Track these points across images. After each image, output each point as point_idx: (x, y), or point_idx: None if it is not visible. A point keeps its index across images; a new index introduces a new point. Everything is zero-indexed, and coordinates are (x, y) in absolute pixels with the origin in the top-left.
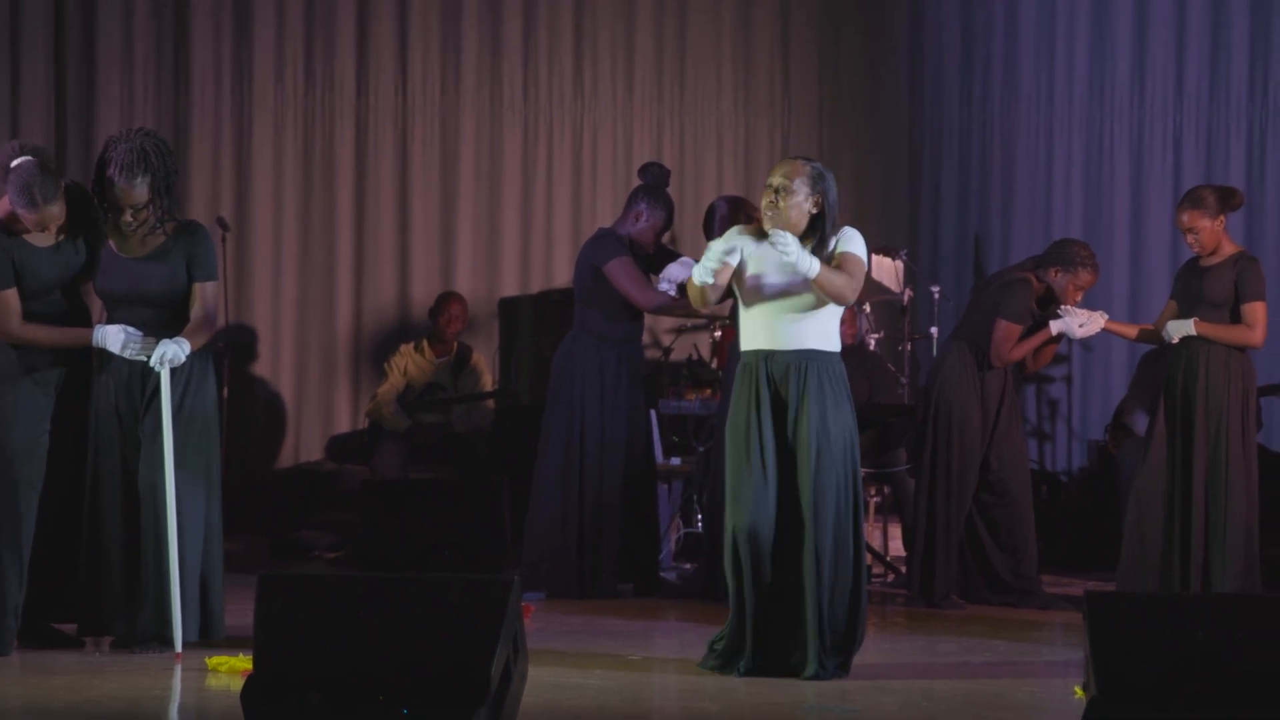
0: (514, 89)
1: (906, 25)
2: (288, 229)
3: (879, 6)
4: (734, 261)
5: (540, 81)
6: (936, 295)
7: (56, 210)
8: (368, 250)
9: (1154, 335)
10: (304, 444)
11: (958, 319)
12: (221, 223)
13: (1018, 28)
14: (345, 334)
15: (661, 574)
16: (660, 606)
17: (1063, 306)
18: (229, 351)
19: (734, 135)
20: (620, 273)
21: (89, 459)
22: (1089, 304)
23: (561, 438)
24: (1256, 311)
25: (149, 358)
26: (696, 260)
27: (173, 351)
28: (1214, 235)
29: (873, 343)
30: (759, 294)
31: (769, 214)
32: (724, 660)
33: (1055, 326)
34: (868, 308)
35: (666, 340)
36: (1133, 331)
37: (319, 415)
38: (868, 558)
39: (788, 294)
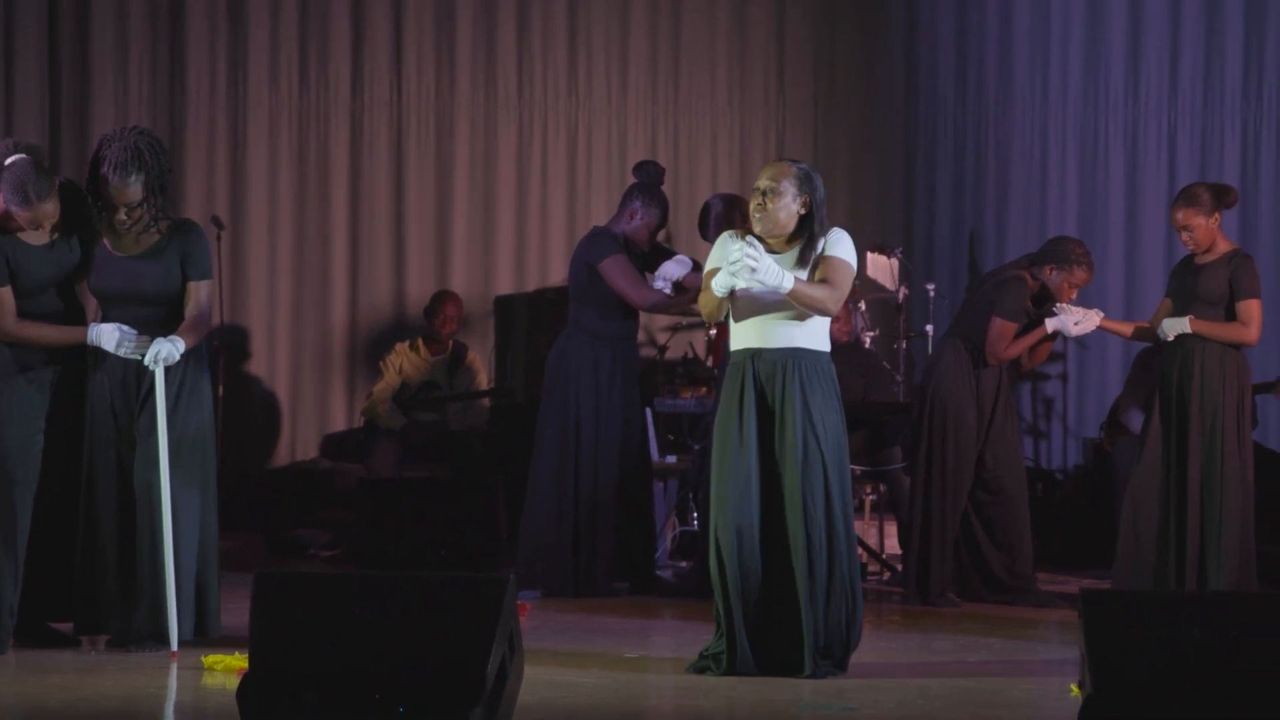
0: (508, 88)
1: (902, 23)
2: (283, 227)
3: (874, 5)
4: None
5: (535, 80)
6: (932, 293)
7: (51, 208)
8: (363, 248)
9: (1149, 333)
10: (299, 442)
11: (953, 317)
12: (216, 221)
13: (1012, 26)
14: (340, 332)
15: (657, 572)
16: (656, 605)
17: (1058, 304)
18: (224, 350)
19: (729, 133)
20: (615, 271)
21: (84, 457)
22: (1084, 302)
23: (557, 436)
24: (1251, 309)
25: (144, 356)
26: (692, 258)
27: (167, 350)
28: (1209, 233)
29: (868, 340)
30: (749, 294)
31: (758, 216)
32: (714, 664)
33: (1050, 324)
34: (863, 305)
35: (662, 338)
36: (1128, 329)
37: (314, 413)
38: (863, 556)
39: (776, 296)
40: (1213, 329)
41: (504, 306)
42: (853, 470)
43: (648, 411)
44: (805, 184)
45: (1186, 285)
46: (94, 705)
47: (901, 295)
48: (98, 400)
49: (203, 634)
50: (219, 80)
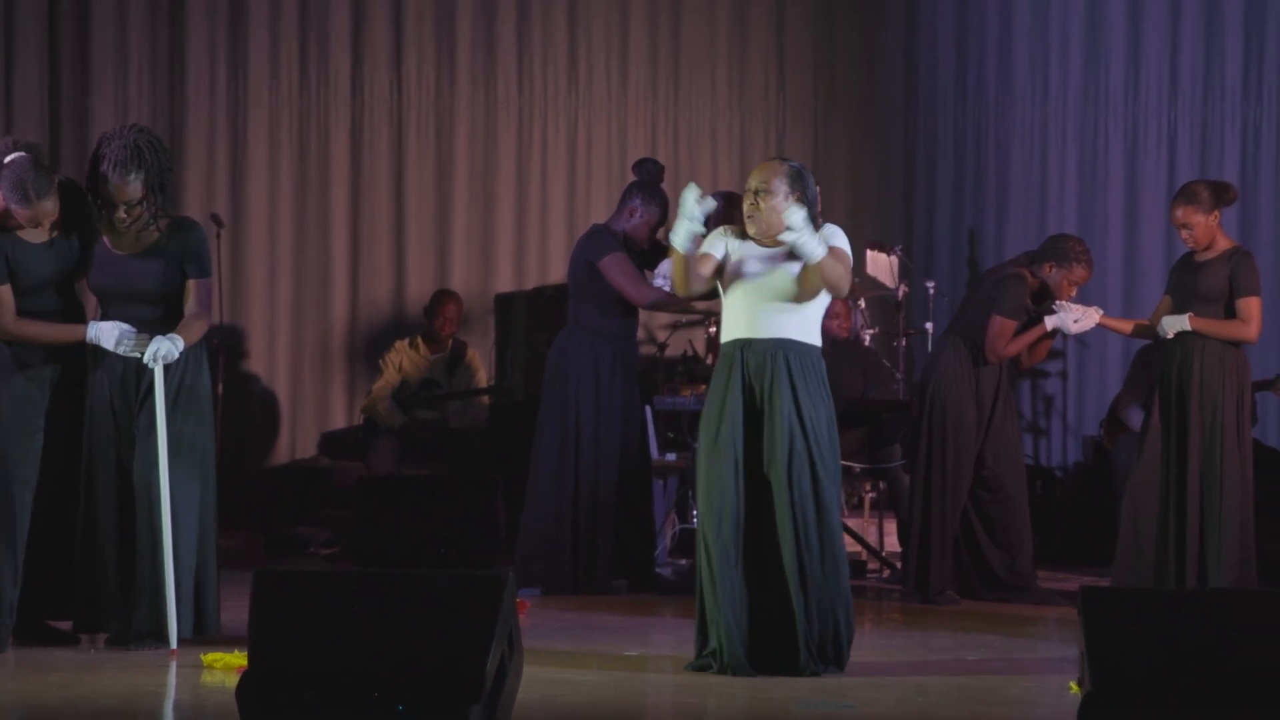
0: (508, 85)
1: (902, 21)
2: (283, 225)
3: (874, 3)
4: (718, 255)
5: (535, 78)
6: (931, 291)
7: (50, 206)
8: (363, 246)
9: (1149, 330)
10: (299, 440)
11: (952, 314)
12: (216, 219)
13: (1012, 25)
14: (340, 330)
15: (656, 570)
16: (655, 603)
17: (1057, 302)
18: (223, 348)
19: (728, 131)
20: (615, 268)
21: (83, 455)
22: (1084, 299)
23: (556, 434)
24: (1251, 306)
25: (143, 354)
26: None
27: (166, 348)
28: (1208, 230)
29: (867, 338)
30: (740, 284)
31: (750, 216)
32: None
33: (1050, 322)
34: (862, 303)
35: (661, 336)
36: (1127, 327)
37: (314, 411)
38: (863, 553)
39: (769, 284)
40: (1212, 326)
41: (504, 304)
42: (852, 468)
43: (647, 409)
44: (797, 182)
45: (1186, 283)
46: (93, 703)
47: (901, 293)
48: (97, 398)
49: (202, 632)
50: (219, 78)
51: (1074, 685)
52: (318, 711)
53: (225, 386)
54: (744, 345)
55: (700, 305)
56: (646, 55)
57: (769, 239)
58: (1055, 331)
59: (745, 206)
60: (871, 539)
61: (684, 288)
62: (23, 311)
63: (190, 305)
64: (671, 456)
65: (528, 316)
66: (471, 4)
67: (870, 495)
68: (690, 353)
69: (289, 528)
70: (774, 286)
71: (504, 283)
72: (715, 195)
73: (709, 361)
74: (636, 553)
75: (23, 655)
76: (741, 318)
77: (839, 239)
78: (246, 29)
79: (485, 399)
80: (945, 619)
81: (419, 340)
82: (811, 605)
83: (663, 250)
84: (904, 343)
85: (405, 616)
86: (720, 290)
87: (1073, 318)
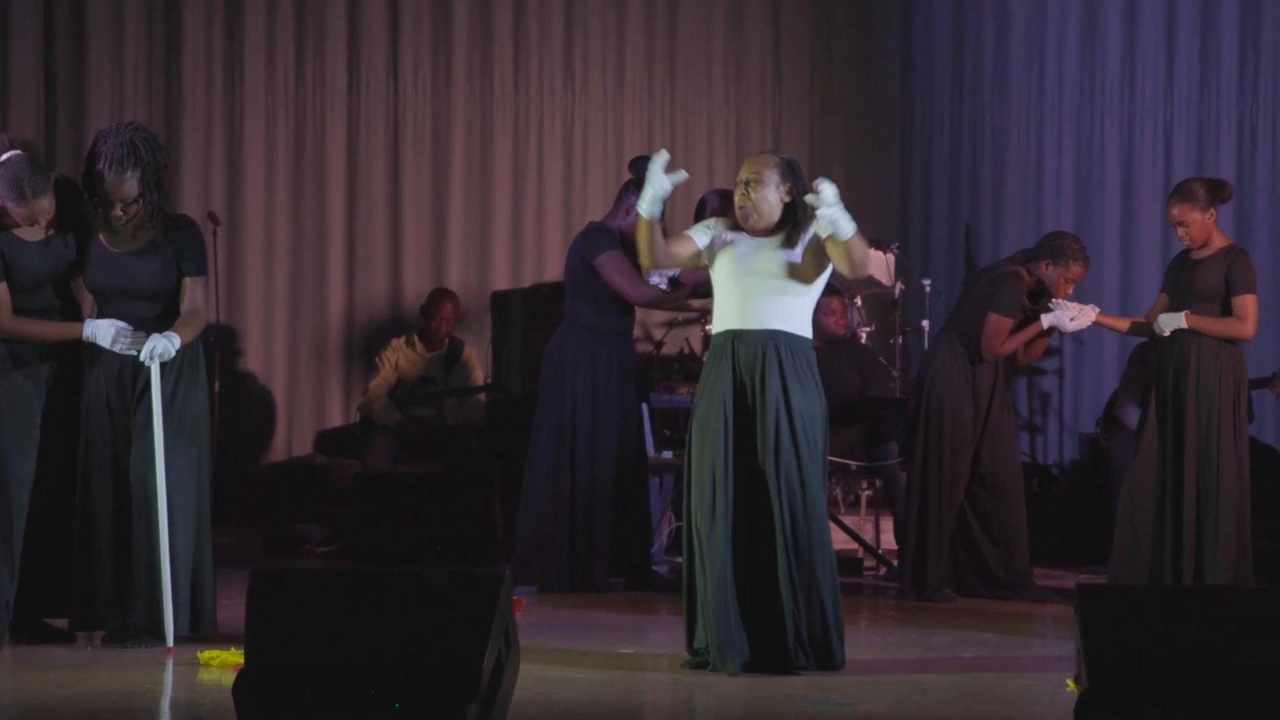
0: (504, 83)
1: (898, 18)
2: (279, 223)
3: (871, 0)
4: (699, 241)
5: (531, 75)
6: (928, 288)
7: (46, 204)
8: (359, 244)
9: (1145, 328)
10: (295, 438)
11: (949, 312)
12: (213, 217)
13: (1008, 21)
14: (336, 328)
15: (653, 568)
16: (652, 600)
17: (1054, 300)
18: (220, 346)
19: (725, 128)
20: (611, 266)
21: (80, 454)
22: (1080, 297)
23: (553, 431)
24: (1247, 304)
25: (139, 352)
26: None
27: (163, 346)
28: (1204, 228)
29: (864, 336)
30: (731, 273)
31: (742, 206)
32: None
33: (1046, 320)
34: (859, 300)
35: (658, 334)
36: (1124, 325)
37: (310, 409)
38: (859, 551)
39: (760, 274)
40: (1209, 324)
41: (500, 302)
42: (849, 465)
43: (644, 407)
44: (788, 173)
45: (1182, 280)
46: (90, 701)
47: (897, 290)
48: (93, 396)
49: (198, 630)
50: (215, 76)
51: (1071, 683)
52: (314, 709)
53: (222, 384)
54: (735, 336)
55: (696, 303)
56: (643, 53)
57: (760, 228)
58: (1051, 329)
59: (736, 196)
60: (868, 536)
61: (648, 257)
62: (19, 309)
63: (186, 303)
64: (668, 454)
65: (524, 314)
66: (468, 2)
67: (867, 493)
68: (687, 350)
69: (286, 525)
70: (765, 276)
71: (500, 281)
72: (712, 193)
73: (705, 359)
74: (633, 550)
75: (19, 653)
76: (733, 308)
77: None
78: (243, 27)
79: (482, 397)
80: (942, 617)
81: (415, 338)
82: (799, 599)
83: None
84: (900, 340)
85: (402, 614)
86: (713, 280)
87: (1069, 316)
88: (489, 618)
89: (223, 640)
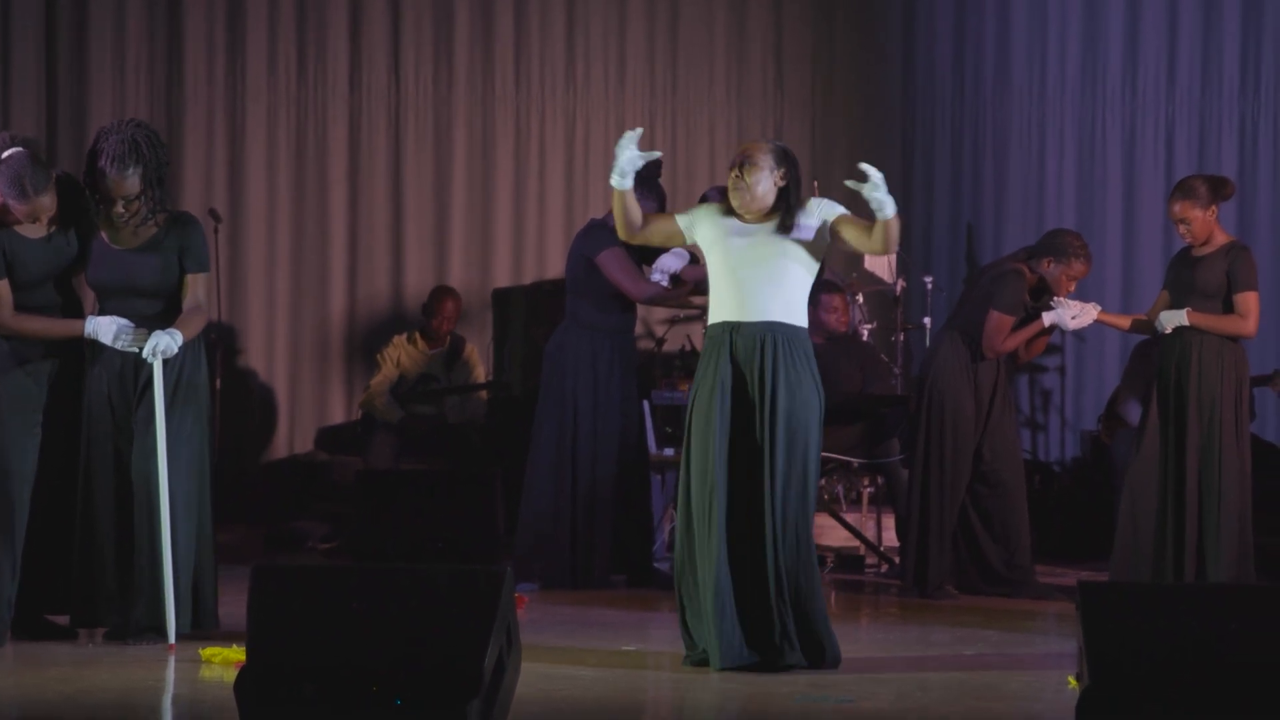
0: (506, 80)
1: (899, 16)
2: (280, 220)
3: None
4: (680, 222)
5: (532, 72)
6: (929, 286)
7: (48, 201)
8: (361, 241)
9: (1147, 326)
10: (297, 435)
11: (950, 309)
12: (214, 214)
13: (1010, 19)
14: (338, 325)
15: (655, 565)
16: (653, 598)
17: (1055, 298)
18: (221, 343)
19: (726, 126)
20: (612, 263)
21: (81, 450)
22: (1081, 294)
23: (554, 429)
24: (1249, 301)
25: (141, 349)
26: (690, 251)
27: (165, 342)
28: (1206, 225)
29: (866, 333)
30: (725, 261)
31: (735, 190)
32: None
33: (1048, 318)
34: (860, 298)
35: (659, 331)
36: (1125, 322)
37: (312, 407)
38: (860, 548)
39: (754, 262)
40: (1210, 321)
41: (501, 299)
42: (851, 463)
43: (645, 404)
44: (782, 159)
45: (1183, 278)
46: (92, 698)
47: (899, 288)
48: (95, 394)
49: (200, 627)
50: (216, 73)
51: (1072, 680)
52: (316, 706)
53: (223, 381)
54: (733, 329)
55: (698, 300)
56: (644, 49)
57: (753, 213)
58: (1053, 327)
59: (730, 180)
60: (870, 534)
61: (622, 229)
62: (20, 307)
63: (188, 300)
64: (669, 451)
65: (526, 312)
66: (469, 0)
67: (868, 490)
68: (688, 347)
69: (287, 523)
70: (760, 266)
71: (502, 278)
72: (714, 190)
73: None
74: (634, 548)
75: (21, 650)
76: (729, 299)
77: (837, 206)
78: (244, 24)
79: (483, 394)
80: (943, 614)
81: (417, 335)
82: (785, 593)
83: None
84: (902, 338)
85: (404, 611)
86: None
87: (1070, 314)
88: (490, 615)
89: (224, 637)
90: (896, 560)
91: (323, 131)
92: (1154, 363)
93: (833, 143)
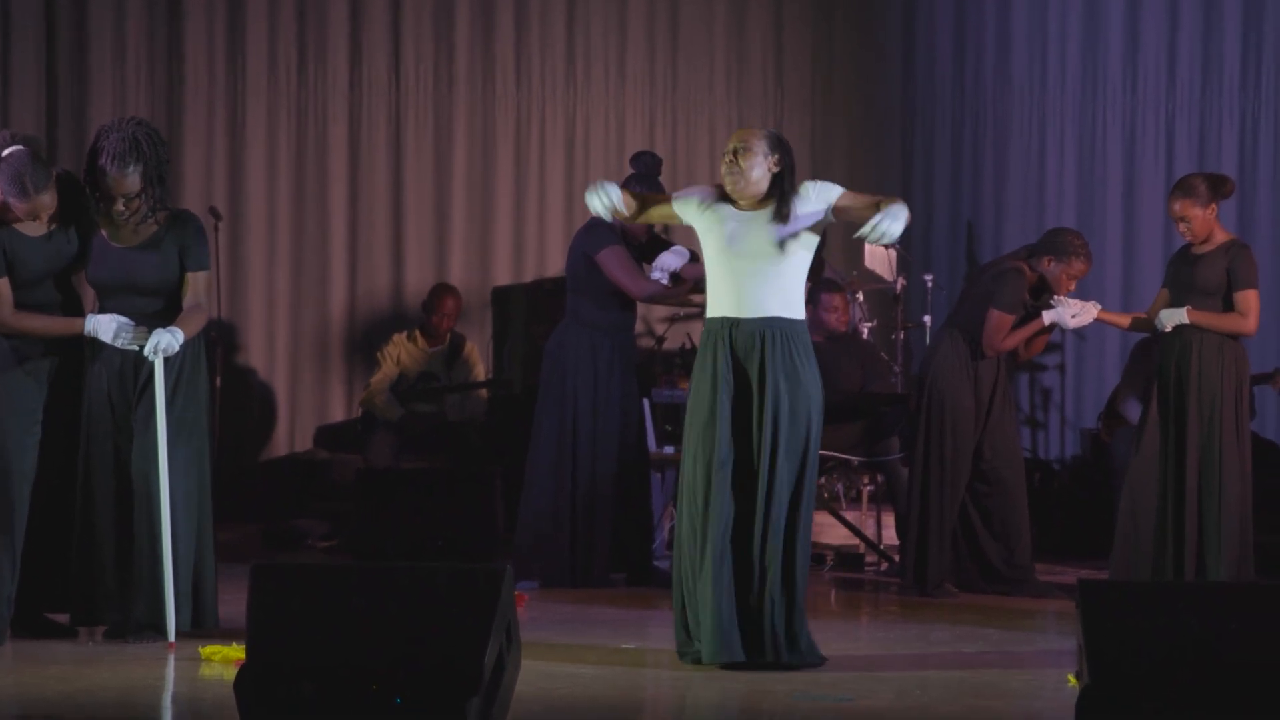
0: (506, 78)
1: (899, 14)
2: (281, 218)
3: None
4: (674, 203)
5: (533, 70)
6: (929, 284)
7: (48, 199)
8: (361, 239)
9: (1147, 324)
10: (297, 433)
11: (951, 308)
12: (214, 212)
13: (1010, 17)
14: (338, 324)
15: (654, 563)
16: (653, 596)
17: (1056, 296)
18: (221, 341)
19: (726, 124)
20: (612, 261)
21: (81, 449)
22: (1081, 293)
23: (554, 427)
24: (1249, 299)
25: (142, 347)
26: (690, 249)
27: (167, 340)
28: (1206, 223)
29: (866, 331)
30: (721, 251)
31: (729, 173)
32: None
33: (1048, 317)
34: (860, 296)
35: (660, 329)
36: (1125, 321)
37: (312, 405)
38: (860, 546)
39: (752, 255)
40: (1210, 319)
41: (502, 297)
42: (850, 461)
43: (645, 402)
44: (776, 145)
45: (1183, 276)
46: (91, 696)
47: (899, 286)
48: (95, 392)
49: (200, 625)
50: (217, 71)
51: (1072, 678)
52: (316, 705)
53: (223, 379)
54: (732, 325)
55: (698, 298)
56: (644, 47)
57: (747, 199)
58: (1053, 326)
59: (724, 165)
60: (869, 532)
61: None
62: (20, 305)
63: (188, 298)
64: (670, 449)
65: (526, 310)
66: None
67: (868, 488)
68: (688, 345)
69: (287, 521)
70: (757, 258)
71: (502, 276)
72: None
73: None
74: (634, 546)
75: (20, 648)
76: (727, 294)
77: (836, 187)
78: (244, 22)
79: (483, 392)
80: (943, 612)
81: (417, 333)
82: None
83: (661, 243)
84: (902, 336)
85: (403, 610)
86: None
87: (1070, 312)
88: (490, 613)
89: (224, 636)
90: (896, 558)
91: (323, 129)
92: (1154, 361)
93: (833, 141)
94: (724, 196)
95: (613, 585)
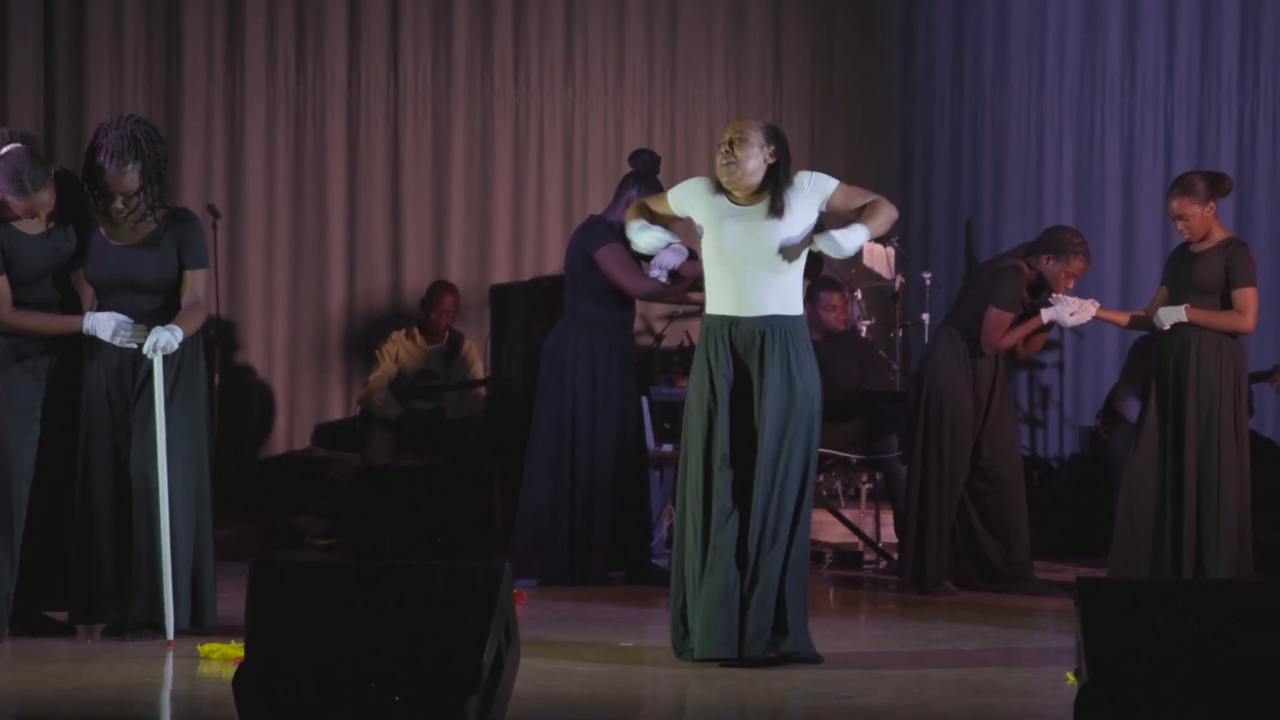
0: (505, 76)
1: (899, 12)
2: (279, 216)
3: None
4: (672, 203)
5: (531, 69)
6: (928, 282)
7: (46, 197)
8: (359, 237)
9: (1145, 322)
10: (295, 431)
11: (949, 306)
12: (212, 210)
13: (1009, 15)
14: (337, 321)
15: (653, 561)
16: (652, 594)
17: (1054, 294)
18: (220, 339)
19: (725, 122)
20: (611, 259)
21: (80, 447)
22: (1080, 291)
23: (553, 425)
24: (1247, 297)
25: (140, 345)
26: (688, 247)
27: (166, 338)
28: (1204, 221)
29: (864, 329)
30: (719, 247)
31: (725, 164)
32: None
33: (1046, 315)
34: (859, 294)
35: (658, 327)
36: (1124, 319)
37: (310, 403)
38: (859, 544)
39: (751, 253)
40: (1209, 317)
41: (500, 295)
42: (849, 459)
43: (644, 400)
44: (771, 136)
45: (1182, 273)
46: (90, 694)
47: (898, 284)
48: (94, 390)
49: (199, 623)
50: (215, 69)
51: (1071, 676)
52: (314, 702)
53: (221, 378)
54: (731, 324)
55: (696, 296)
56: (643, 45)
57: (742, 190)
58: (1051, 324)
59: (720, 156)
60: (868, 530)
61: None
62: (19, 303)
63: (187, 296)
64: (668, 447)
65: (524, 308)
66: None
67: (867, 486)
68: (687, 343)
69: (285, 519)
70: (756, 257)
71: (500, 274)
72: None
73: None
74: (633, 544)
75: (19, 646)
76: (726, 292)
77: (833, 180)
78: (243, 20)
79: (482, 390)
80: (942, 610)
81: (415, 331)
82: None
83: None
84: (900, 334)
85: (402, 608)
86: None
87: (1069, 310)
88: (489, 611)
89: (223, 634)
90: (895, 556)
91: (321, 128)
92: (1153, 359)
93: (832, 141)
94: (719, 188)
95: (611, 583)
